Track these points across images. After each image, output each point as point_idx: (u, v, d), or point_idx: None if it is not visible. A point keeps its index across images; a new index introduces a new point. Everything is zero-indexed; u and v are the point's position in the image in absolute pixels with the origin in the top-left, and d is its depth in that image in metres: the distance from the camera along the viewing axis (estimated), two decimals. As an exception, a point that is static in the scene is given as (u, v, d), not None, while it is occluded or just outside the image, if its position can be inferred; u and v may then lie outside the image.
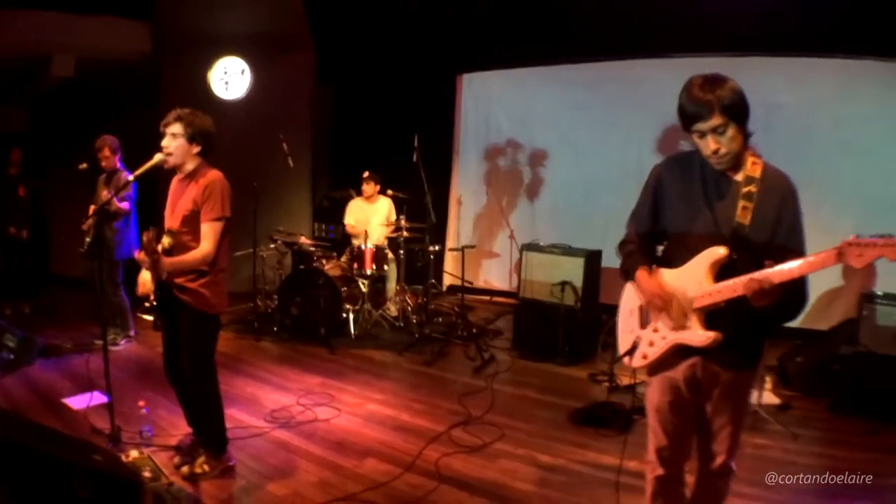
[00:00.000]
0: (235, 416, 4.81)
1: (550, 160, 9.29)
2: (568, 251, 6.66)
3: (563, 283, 6.46)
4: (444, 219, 9.90)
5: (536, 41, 8.59)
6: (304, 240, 7.75)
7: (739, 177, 2.53)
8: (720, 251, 2.48)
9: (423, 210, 7.64)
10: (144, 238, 3.59)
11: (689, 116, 2.47)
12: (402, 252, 7.94)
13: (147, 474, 3.77)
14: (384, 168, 8.23)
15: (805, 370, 5.69)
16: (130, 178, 4.15)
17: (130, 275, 4.70)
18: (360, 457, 4.35)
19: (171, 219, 3.86)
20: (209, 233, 3.72)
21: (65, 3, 8.28)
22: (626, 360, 2.83)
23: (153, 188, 5.91)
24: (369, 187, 8.11)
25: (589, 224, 8.40)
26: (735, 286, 2.40)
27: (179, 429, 4.40)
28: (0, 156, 8.44)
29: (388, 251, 7.76)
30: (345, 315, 7.33)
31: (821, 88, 7.21)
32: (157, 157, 3.79)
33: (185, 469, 3.91)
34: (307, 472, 4.12)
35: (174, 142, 3.76)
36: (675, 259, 2.67)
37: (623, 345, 2.88)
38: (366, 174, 8.13)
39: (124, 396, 4.88)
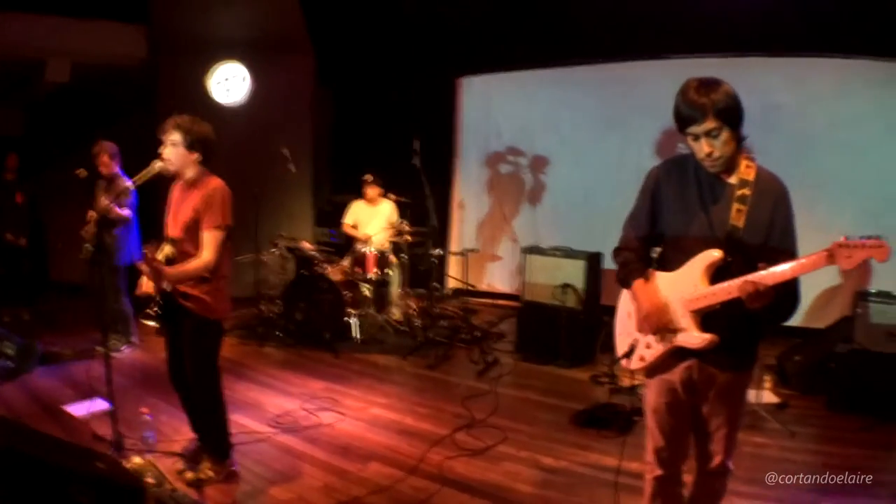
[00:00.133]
0: (239, 422, 4.82)
1: (550, 162, 9.30)
2: (569, 253, 6.67)
3: (565, 286, 6.49)
4: (445, 222, 9.92)
5: (535, 43, 8.62)
6: (306, 245, 7.76)
7: (733, 180, 2.55)
8: (715, 254, 2.50)
9: (425, 214, 7.65)
10: (145, 252, 3.62)
11: (683, 119, 2.50)
12: (404, 256, 7.95)
13: (150, 480, 3.77)
14: (385, 171, 8.22)
15: (803, 369, 5.72)
16: (130, 185, 4.17)
17: (133, 280, 4.71)
18: (364, 461, 4.37)
19: (173, 227, 3.88)
20: (210, 241, 3.73)
21: (60, 8, 8.20)
22: (623, 362, 2.85)
23: (154, 193, 5.93)
24: (372, 190, 8.04)
25: (590, 226, 8.40)
26: (730, 288, 2.42)
27: (183, 434, 4.42)
28: (-2, 160, 8.41)
29: (391, 255, 7.76)
30: (348, 319, 7.34)
31: (818, 88, 7.23)
32: (157, 164, 3.80)
33: (188, 474, 3.94)
34: (311, 476, 4.14)
35: (173, 150, 3.77)
36: (671, 262, 2.69)
37: (620, 347, 2.90)
38: (368, 177, 8.06)
39: (127, 403, 4.86)
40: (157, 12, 8.89)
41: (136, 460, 4.04)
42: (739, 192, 2.51)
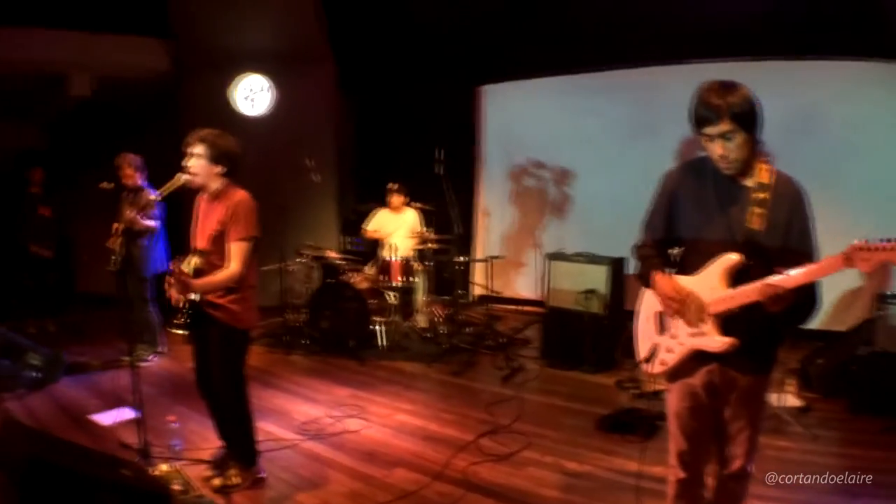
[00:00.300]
0: (266, 429, 4.86)
1: (574, 169, 9.24)
2: (593, 259, 6.67)
3: (589, 292, 6.48)
4: (470, 230, 9.93)
5: (555, 51, 8.56)
6: (331, 253, 7.81)
7: (750, 182, 2.55)
8: (734, 257, 2.50)
9: (449, 221, 7.67)
10: (172, 265, 3.70)
11: (699, 120, 2.52)
12: (429, 263, 7.98)
13: (177, 487, 3.83)
14: (408, 180, 8.25)
15: (825, 372, 5.66)
16: (154, 197, 4.24)
17: (161, 290, 4.76)
18: (390, 467, 4.40)
19: (200, 238, 3.93)
20: (237, 253, 3.78)
21: (81, 22, 8.31)
22: (644, 366, 2.86)
23: (180, 205, 6.00)
24: (396, 199, 8.08)
25: (616, 234, 8.31)
26: (749, 292, 2.42)
27: (210, 442, 4.46)
28: (18, 173, 8.48)
29: (415, 263, 7.78)
30: (374, 327, 7.38)
31: (840, 89, 7.13)
32: (183, 177, 3.86)
33: (216, 481, 3.98)
34: (337, 482, 4.17)
35: (197, 163, 3.82)
36: (689, 265, 2.69)
37: (641, 351, 2.91)
38: (393, 185, 8.11)
39: (154, 411, 4.93)
40: (179, 26, 9.01)
41: (163, 468, 4.09)
42: (758, 196, 2.51)
